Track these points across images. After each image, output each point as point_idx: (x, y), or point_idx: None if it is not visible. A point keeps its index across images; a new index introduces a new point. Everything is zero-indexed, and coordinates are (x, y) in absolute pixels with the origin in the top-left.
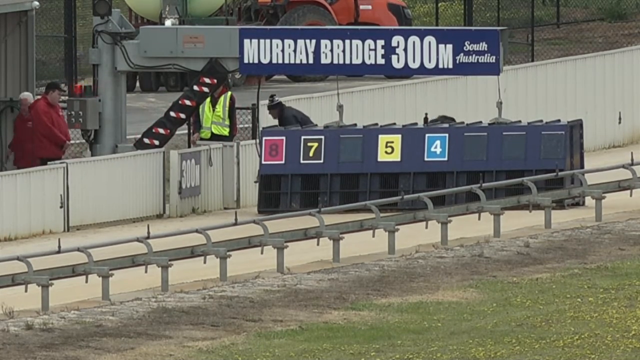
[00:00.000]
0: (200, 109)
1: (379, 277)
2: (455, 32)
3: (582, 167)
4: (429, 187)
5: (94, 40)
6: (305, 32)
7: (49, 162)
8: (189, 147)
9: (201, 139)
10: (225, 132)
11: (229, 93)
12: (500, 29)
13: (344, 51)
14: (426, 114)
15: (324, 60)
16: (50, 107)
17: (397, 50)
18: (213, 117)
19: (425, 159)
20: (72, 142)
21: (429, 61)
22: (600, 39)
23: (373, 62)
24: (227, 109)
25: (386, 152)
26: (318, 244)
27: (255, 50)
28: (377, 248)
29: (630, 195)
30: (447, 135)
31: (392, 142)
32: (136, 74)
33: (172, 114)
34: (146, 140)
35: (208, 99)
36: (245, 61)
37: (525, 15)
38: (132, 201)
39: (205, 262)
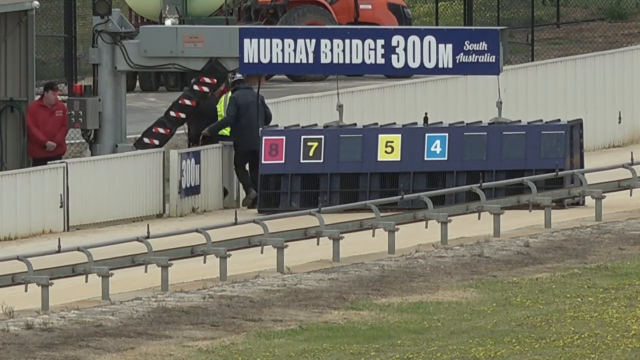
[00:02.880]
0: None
1: (379, 277)
2: (455, 31)
3: (582, 166)
4: (428, 187)
5: (94, 40)
6: (305, 32)
7: (48, 162)
8: (189, 146)
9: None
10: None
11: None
12: (500, 29)
13: (344, 51)
14: (426, 113)
15: (324, 60)
16: (42, 108)
17: (397, 50)
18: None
19: (425, 158)
20: (73, 142)
21: (429, 61)
22: (600, 39)
23: (373, 62)
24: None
25: (386, 152)
26: (318, 244)
27: (255, 50)
28: (377, 248)
29: (630, 195)
30: (447, 135)
31: (392, 141)
32: (136, 73)
33: (172, 113)
34: (146, 140)
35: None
36: (245, 61)
37: (525, 15)
38: (132, 201)
39: (205, 262)
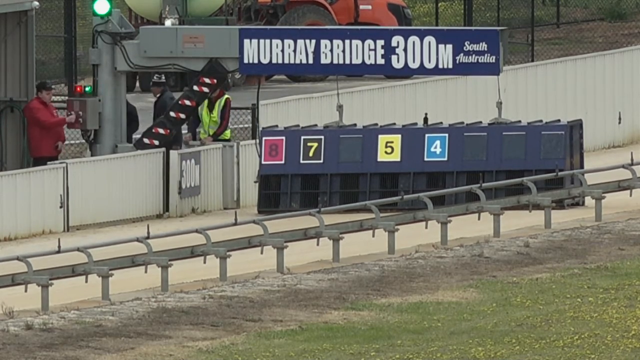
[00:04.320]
0: (199, 111)
1: (379, 277)
2: (455, 32)
3: (582, 167)
4: (428, 187)
5: (94, 40)
6: (305, 32)
7: (48, 162)
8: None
9: (200, 139)
10: (226, 135)
11: (225, 97)
12: (500, 29)
13: (343, 51)
14: (426, 114)
15: (324, 60)
16: (44, 106)
17: (397, 50)
18: (210, 122)
19: (425, 159)
20: (73, 142)
21: (429, 61)
22: (600, 39)
23: (373, 62)
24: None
25: (386, 152)
26: (318, 244)
27: (255, 50)
28: (377, 248)
29: (630, 195)
30: (447, 135)
31: (392, 142)
32: (136, 74)
33: (172, 114)
34: (146, 140)
35: (206, 102)
36: (245, 61)
37: (525, 15)
38: (132, 201)
39: (205, 262)
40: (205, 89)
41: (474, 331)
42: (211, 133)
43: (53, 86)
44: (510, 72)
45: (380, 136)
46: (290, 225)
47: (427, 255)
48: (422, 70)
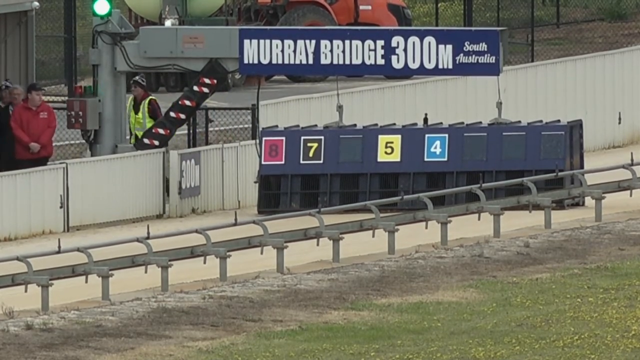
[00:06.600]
0: (127, 111)
1: (379, 277)
2: (455, 32)
3: (582, 167)
4: (428, 187)
5: (94, 40)
6: (305, 33)
7: (48, 163)
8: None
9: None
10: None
11: (149, 98)
12: (500, 29)
13: (343, 51)
14: (426, 114)
15: (324, 60)
16: (26, 110)
17: (397, 51)
18: (135, 122)
19: (425, 159)
20: (73, 142)
21: (429, 61)
22: (600, 39)
23: (373, 63)
24: (146, 114)
25: (386, 153)
26: (318, 244)
27: (255, 51)
28: (377, 248)
29: (630, 196)
30: (446, 135)
31: (392, 142)
32: (136, 74)
33: (172, 114)
34: (146, 141)
35: (131, 104)
36: (245, 61)
37: (525, 15)
38: (132, 201)
39: (205, 262)
40: (206, 89)
41: (474, 331)
42: (138, 134)
43: (53, 86)
44: (510, 72)
45: (380, 136)
46: (290, 225)
47: (427, 255)
48: (422, 71)
